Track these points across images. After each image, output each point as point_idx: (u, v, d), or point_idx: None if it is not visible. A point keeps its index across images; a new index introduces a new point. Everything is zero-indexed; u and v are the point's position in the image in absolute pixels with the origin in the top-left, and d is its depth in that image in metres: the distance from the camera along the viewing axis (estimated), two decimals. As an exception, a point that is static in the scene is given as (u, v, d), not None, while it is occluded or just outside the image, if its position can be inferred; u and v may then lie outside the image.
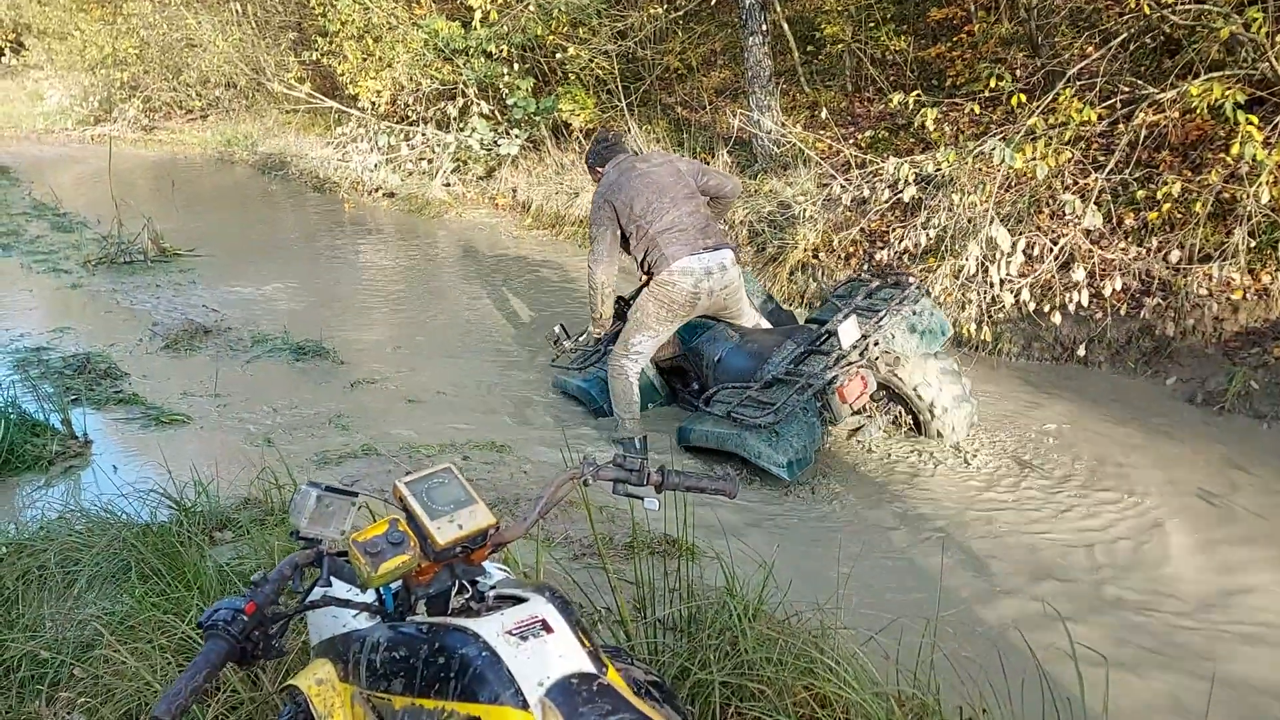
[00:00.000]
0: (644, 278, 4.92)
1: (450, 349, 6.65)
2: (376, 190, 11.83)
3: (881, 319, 4.53)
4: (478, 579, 1.69)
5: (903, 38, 8.67)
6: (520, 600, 1.61)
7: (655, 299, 4.78)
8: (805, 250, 7.26)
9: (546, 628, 1.52)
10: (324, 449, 4.83)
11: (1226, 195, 5.43)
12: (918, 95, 6.16)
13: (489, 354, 6.53)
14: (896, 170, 6.13)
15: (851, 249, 7.09)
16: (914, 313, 4.59)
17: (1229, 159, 5.24)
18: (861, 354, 4.47)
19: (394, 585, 1.68)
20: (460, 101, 10.82)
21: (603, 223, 4.79)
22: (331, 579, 1.64)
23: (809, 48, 9.58)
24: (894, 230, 6.53)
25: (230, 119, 16.80)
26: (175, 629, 2.72)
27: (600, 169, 4.96)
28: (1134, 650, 3.14)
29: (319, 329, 6.74)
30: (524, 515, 1.76)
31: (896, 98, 6.17)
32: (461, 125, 10.91)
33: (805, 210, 7.28)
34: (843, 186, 6.81)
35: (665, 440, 4.95)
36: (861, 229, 7.00)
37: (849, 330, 4.42)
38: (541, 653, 1.47)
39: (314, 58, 12.19)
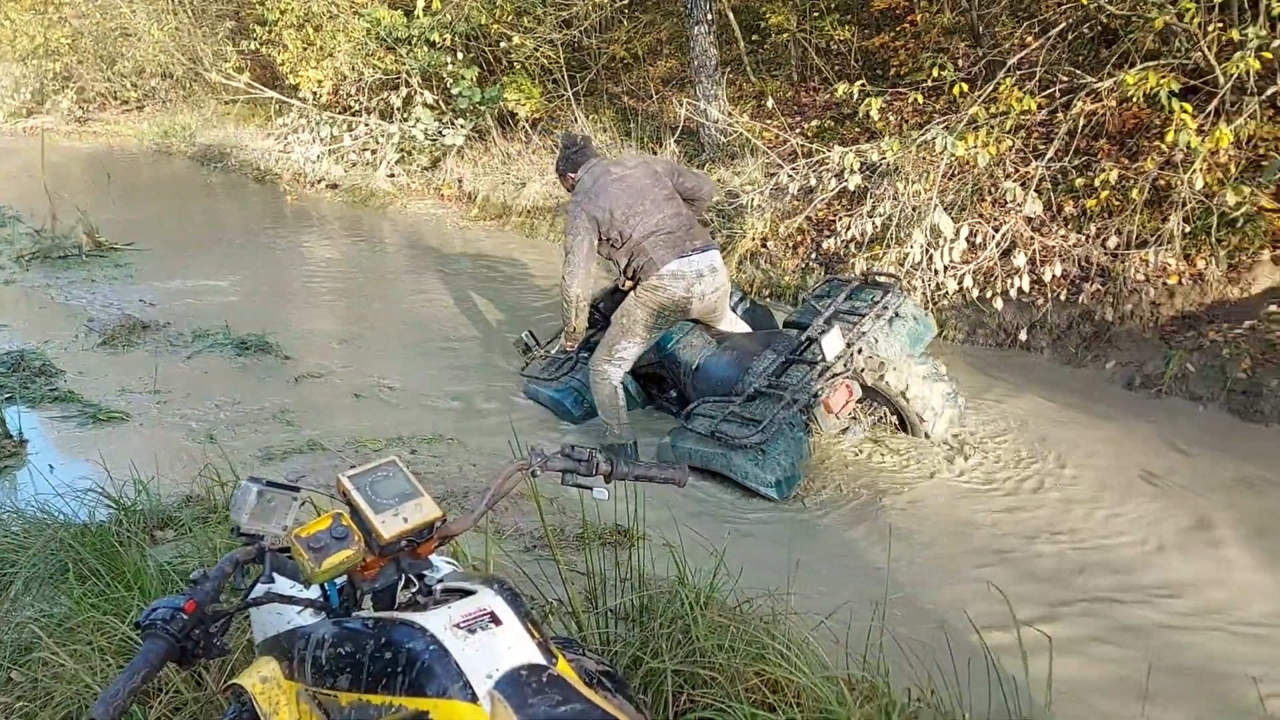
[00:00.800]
0: (627, 283, 4.78)
1: (397, 342, 6.57)
2: (319, 182, 11.65)
3: (864, 325, 4.47)
4: (424, 573, 1.66)
5: (847, 28, 8.72)
6: (468, 593, 1.59)
7: (644, 305, 4.64)
8: (754, 240, 7.29)
9: (495, 620, 1.50)
10: (268, 445, 4.75)
11: (1162, 182, 5.55)
12: (862, 85, 6.21)
13: (436, 347, 6.46)
14: (842, 159, 6.18)
15: (799, 238, 7.13)
16: (897, 315, 4.54)
17: (1164, 146, 5.35)
18: (846, 364, 4.39)
19: (339, 580, 1.65)
20: (404, 91, 10.68)
21: (579, 233, 4.58)
22: (274, 575, 1.61)
23: (754, 37, 9.61)
24: (840, 219, 6.57)
25: (167, 110, 16.43)
26: (115, 630, 2.66)
27: (572, 175, 4.76)
28: (1078, 629, 3.20)
29: (262, 323, 6.63)
30: (472, 507, 1.73)
31: (841, 87, 6.22)
32: (405, 115, 10.77)
33: (753, 200, 7.31)
34: (790, 176, 6.84)
35: (643, 449, 4.83)
36: (808, 218, 7.04)
37: (833, 341, 4.35)
38: (490, 645, 1.45)
39: (253, 47, 11.94)
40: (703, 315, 4.86)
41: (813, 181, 6.65)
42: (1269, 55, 4.85)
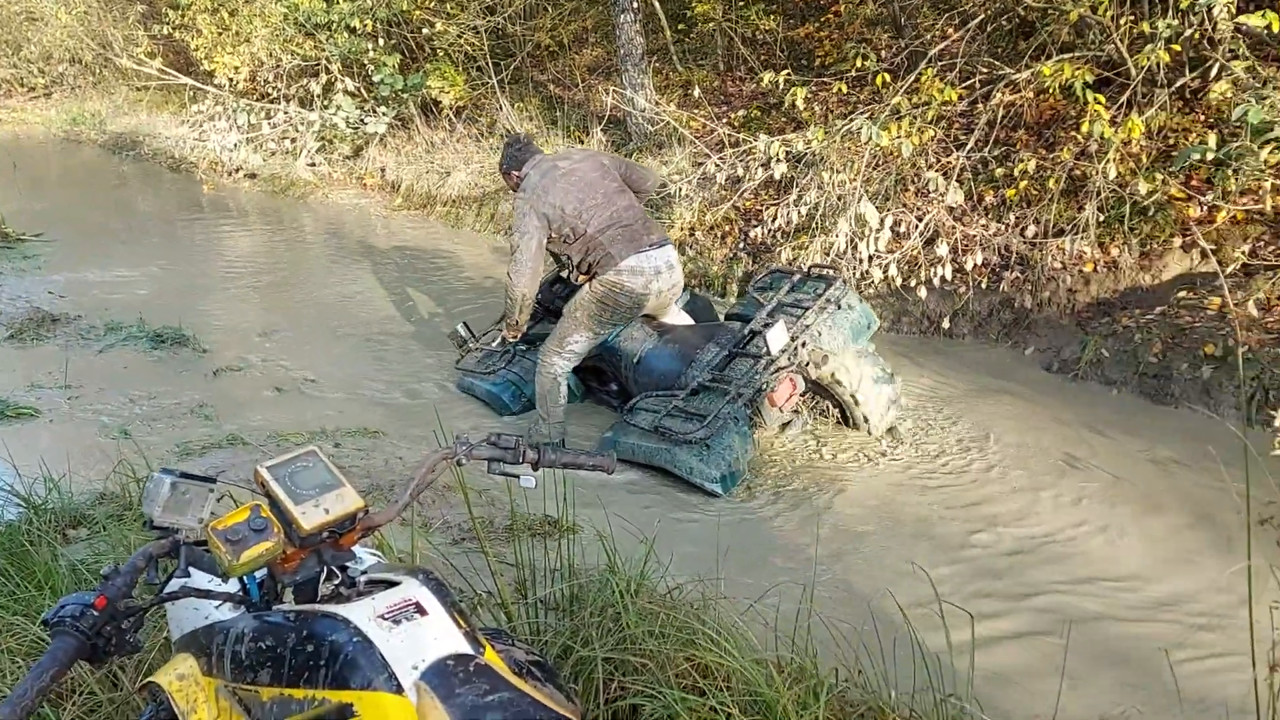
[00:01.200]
0: (580, 277, 4.67)
1: (319, 334, 6.44)
2: (237, 171, 11.36)
3: (808, 318, 4.43)
4: (347, 564, 1.62)
5: (772, 17, 8.78)
6: (393, 584, 1.56)
7: (600, 300, 4.53)
8: (682, 229, 7.30)
9: (420, 610, 1.47)
10: (186, 440, 4.61)
11: (1078, 172, 5.69)
12: (788, 75, 6.25)
13: (360, 339, 6.35)
14: (768, 148, 6.21)
15: (726, 227, 7.16)
16: (840, 308, 4.50)
17: (1079, 137, 5.49)
18: (791, 357, 4.34)
19: (258, 574, 1.60)
20: (324, 78, 10.47)
21: (528, 231, 4.48)
22: (190, 569, 1.55)
23: (680, 26, 9.61)
24: (767, 208, 6.62)
25: (76, 97, 15.86)
26: (26, 631, 2.56)
27: (517, 172, 4.65)
28: (1001, 608, 3.27)
29: (178, 315, 6.43)
30: (396, 498, 1.70)
31: (767, 77, 6.24)
32: (326, 103, 10.55)
33: (680, 189, 7.31)
34: (717, 165, 6.86)
35: (584, 443, 4.81)
36: (735, 207, 7.08)
37: (778, 336, 4.28)
38: (416, 636, 1.42)
39: (165, 32, 11.59)
40: (654, 310, 4.81)
41: (740, 171, 6.67)
42: (1178, 48, 4.99)
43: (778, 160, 6.12)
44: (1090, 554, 3.62)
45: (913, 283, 5.84)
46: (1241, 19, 3.97)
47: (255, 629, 1.54)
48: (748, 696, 2.18)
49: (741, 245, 6.98)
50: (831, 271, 4.80)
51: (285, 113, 11.02)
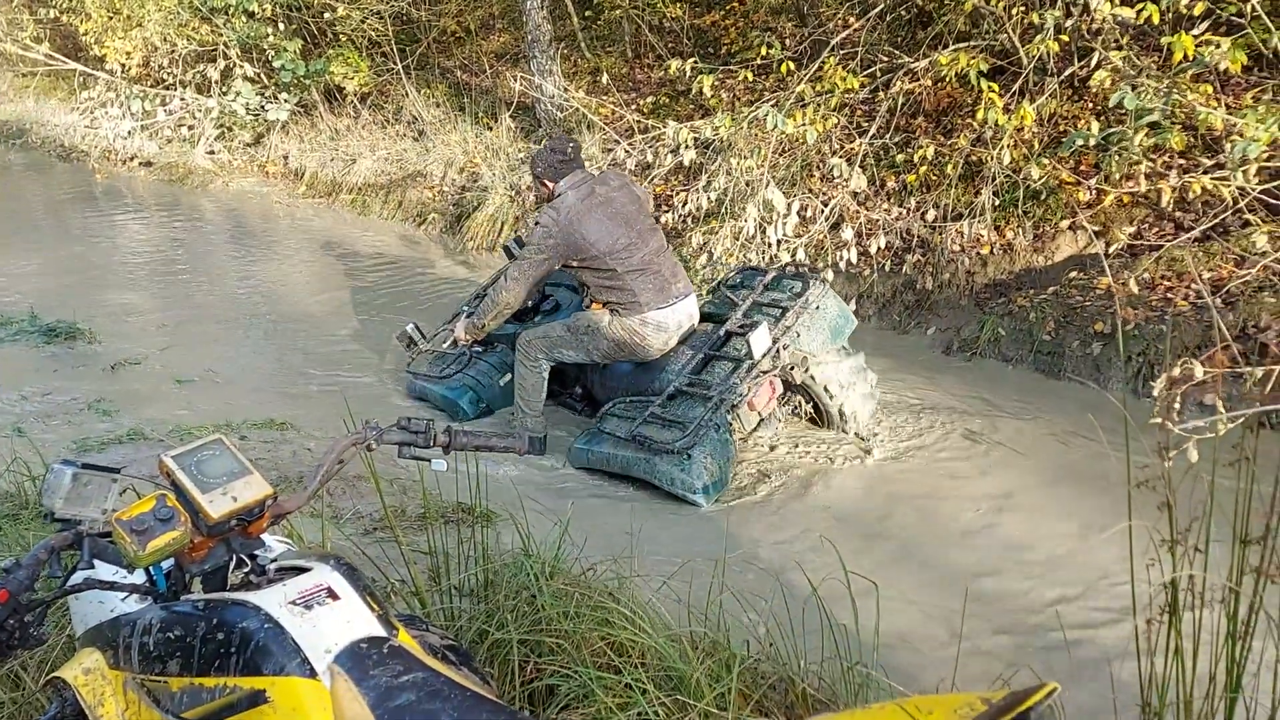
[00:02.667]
0: (596, 306, 4.39)
1: (222, 325, 6.29)
2: (131, 159, 10.98)
3: (788, 320, 4.31)
4: (257, 552, 1.62)
5: (679, 5, 8.82)
6: (304, 570, 1.56)
7: (616, 343, 4.30)
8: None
9: (332, 595, 1.47)
10: (83, 436, 4.47)
11: (974, 158, 5.87)
12: (695, 62, 6.30)
13: (264, 329, 6.22)
14: (677, 135, 6.26)
15: (636, 213, 7.19)
16: (818, 308, 4.39)
17: (975, 124, 5.66)
18: (773, 361, 4.21)
19: (165, 564, 1.58)
20: (221, 64, 10.17)
21: (545, 251, 4.22)
22: (95, 561, 1.53)
23: (587, 13, 9.60)
24: (677, 194, 6.67)
25: (-45, 82, 15.12)
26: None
27: (551, 183, 4.28)
28: (905, 575, 3.38)
29: (72, 308, 6.21)
30: (305, 485, 1.69)
31: (674, 64, 6.28)
32: (224, 89, 10.26)
33: (590, 175, 7.31)
34: (627, 151, 6.89)
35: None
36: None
37: (760, 338, 4.14)
38: (328, 620, 1.43)
39: (52, 15, 11.12)
40: None
41: (649, 157, 6.71)
42: (1066, 38, 5.18)
43: (686, 147, 6.18)
44: (992, 524, 3.76)
45: (820, 266, 5.96)
46: (1117, 11, 4.14)
47: (163, 619, 1.53)
48: (662, 672, 2.22)
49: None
50: (808, 270, 4.65)
51: (182, 99, 10.69)
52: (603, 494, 4.16)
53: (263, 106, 10.18)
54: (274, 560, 1.63)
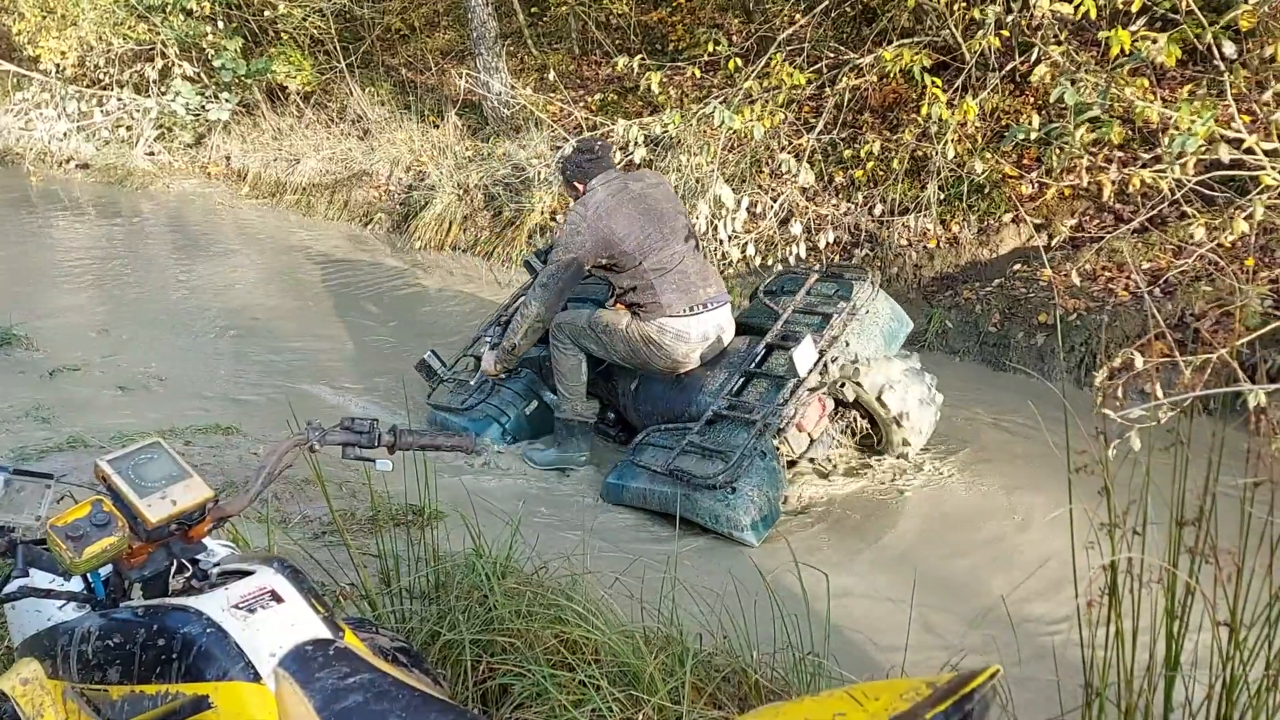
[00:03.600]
0: (619, 307, 4.15)
1: (165, 330, 6.17)
2: (68, 161, 10.73)
3: (835, 329, 3.92)
4: (199, 557, 1.59)
5: (625, 2, 8.82)
6: (247, 574, 1.53)
7: (631, 346, 4.01)
8: (542, 213, 7.29)
9: (276, 598, 1.46)
10: (21, 445, 4.35)
11: (920, 153, 5.94)
12: (642, 59, 6.30)
13: (209, 333, 6.12)
14: (626, 132, 6.26)
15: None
16: (868, 312, 4.02)
17: (920, 119, 5.73)
18: (821, 376, 3.82)
19: (103, 571, 1.56)
20: (160, 63, 9.98)
21: (574, 250, 3.93)
22: (30, 569, 1.50)
23: (533, 9, 9.56)
24: (625, 191, 6.67)
25: (-119, 83, 14.67)
26: None
27: (580, 184, 4.05)
28: (854, 564, 3.42)
29: (8, 315, 6.05)
30: (247, 487, 1.66)
31: (622, 61, 6.28)
32: (163, 89, 10.07)
33: (540, 172, 7.30)
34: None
35: (584, 487, 4.23)
36: (594, 191, 7.10)
37: (805, 353, 3.73)
38: (272, 623, 1.41)
39: (-17, 14, 10.86)
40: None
41: (597, 154, 6.69)
42: (1007, 33, 5.26)
43: (636, 144, 6.17)
44: (938, 513, 3.81)
45: (770, 261, 5.99)
46: (1056, 6, 4.22)
47: (102, 627, 1.50)
48: (616, 668, 2.22)
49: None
50: (853, 271, 4.25)
51: (119, 99, 10.46)
52: (555, 489, 4.15)
53: (203, 106, 10.01)
54: (216, 564, 1.61)
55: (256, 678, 1.34)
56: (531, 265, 4.80)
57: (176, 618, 1.42)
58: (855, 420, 4.11)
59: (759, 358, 3.95)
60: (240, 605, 1.43)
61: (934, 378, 4.03)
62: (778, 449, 3.76)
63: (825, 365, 3.81)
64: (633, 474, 3.84)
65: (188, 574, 1.56)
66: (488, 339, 4.70)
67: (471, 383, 4.61)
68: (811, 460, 3.97)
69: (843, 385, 3.80)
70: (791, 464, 3.83)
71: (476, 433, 4.38)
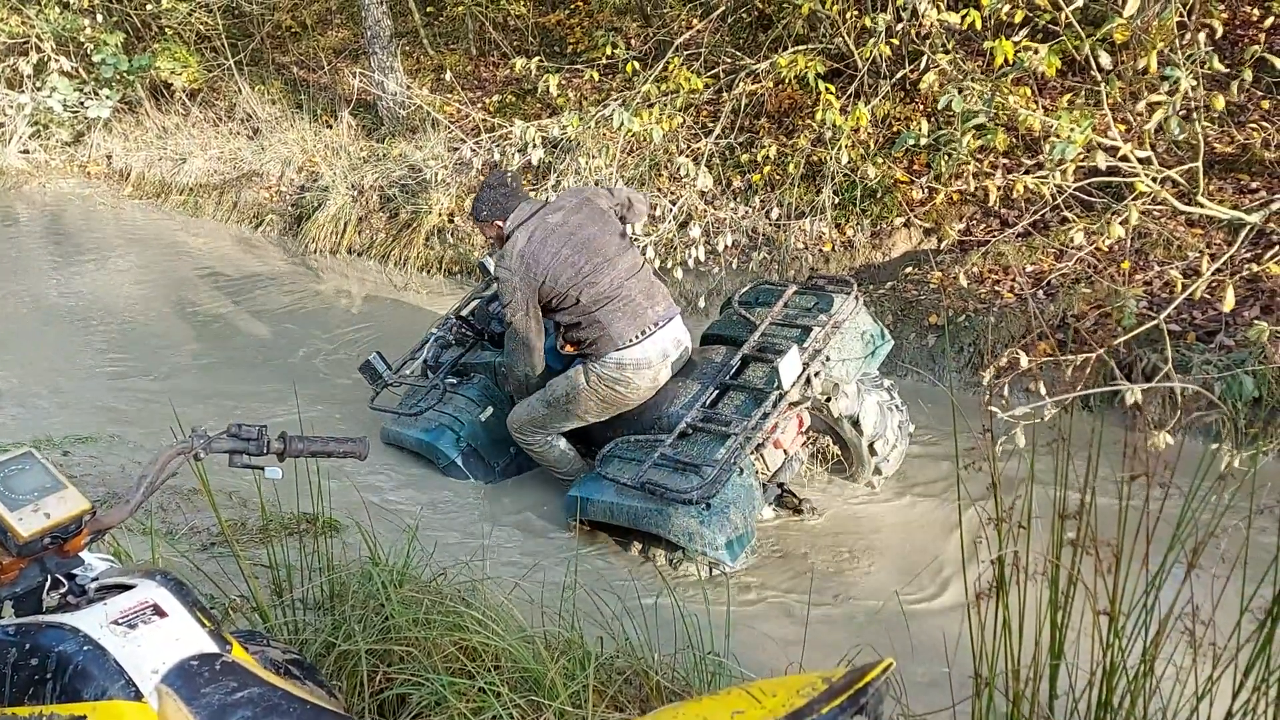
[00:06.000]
0: (568, 348, 3.92)
1: (39, 335, 5.89)
2: (-66, 158, 10.18)
3: (817, 341, 3.73)
4: (75, 571, 1.52)
5: (522, 3, 8.78)
6: (128, 588, 1.47)
7: (599, 397, 3.74)
8: (439, 215, 7.19)
9: (159, 612, 1.40)
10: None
11: (815, 158, 6.05)
12: (540, 61, 6.27)
13: (90, 337, 5.86)
14: (524, 134, 6.22)
15: (484, 213, 7.11)
16: (850, 326, 3.85)
17: (815, 125, 5.84)
18: (804, 391, 3.62)
19: (-31, 588, 1.47)
20: (34, 57, 9.53)
21: (519, 307, 3.69)
22: None
23: (429, 9, 9.44)
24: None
25: None
26: None
27: (500, 224, 3.77)
28: (755, 569, 3.45)
29: None
30: (127, 498, 1.59)
31: (519, 63, 6.24)
32: (39, 84, 9.62)
33: (437, 174, 7.20)
34: (473, 150, 6.79)
35: (543, 506, 4.07)
36: (493, 193, 7.04)
37: (790, 364, 3.52)
38: (154, 639, 1.36)
39: None
40: None
41: (496, 155, 6.64)
42: (897, 42, 5.40)
43: (534, 146, 6.14)
44: (832, 511, 3.88)
45: (669, 264, 6.03)
46: (943, 16, 4.35)
47: None
48: (516, 674, 2.20)
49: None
50: (834, 285, 4.05)
51: (-10, 93, 9.97)
52: (452, 496, 4.09)
53: (82, 103, 9.60)
54: (95, 579, 1.54)
55: (138, 695, 1.29)
56: (486, 267, 4.62)
57: (51, 635, 1.36)
58: (829, 445, 3.98)
59: (735, 369, 3.75)
60: (120, 621, 1.37)
61: (904, 404, 3.96)
62: (754, 466, 3.60)
63: (808, 379, 3.62)
64: (598, 487, 3.59)
65: (63, 590, 1.49)
66: (434, 334, 4.54)
67: (420, 387, 4.40)
68: (781, 486, 3.78)
69: (827, 400, 3.65)
70: (764, 487, 3.66)
71: (430, 443, 4.23)
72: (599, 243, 3.72)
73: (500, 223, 3.78)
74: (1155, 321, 3.69)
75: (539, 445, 3.98)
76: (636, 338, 3.69)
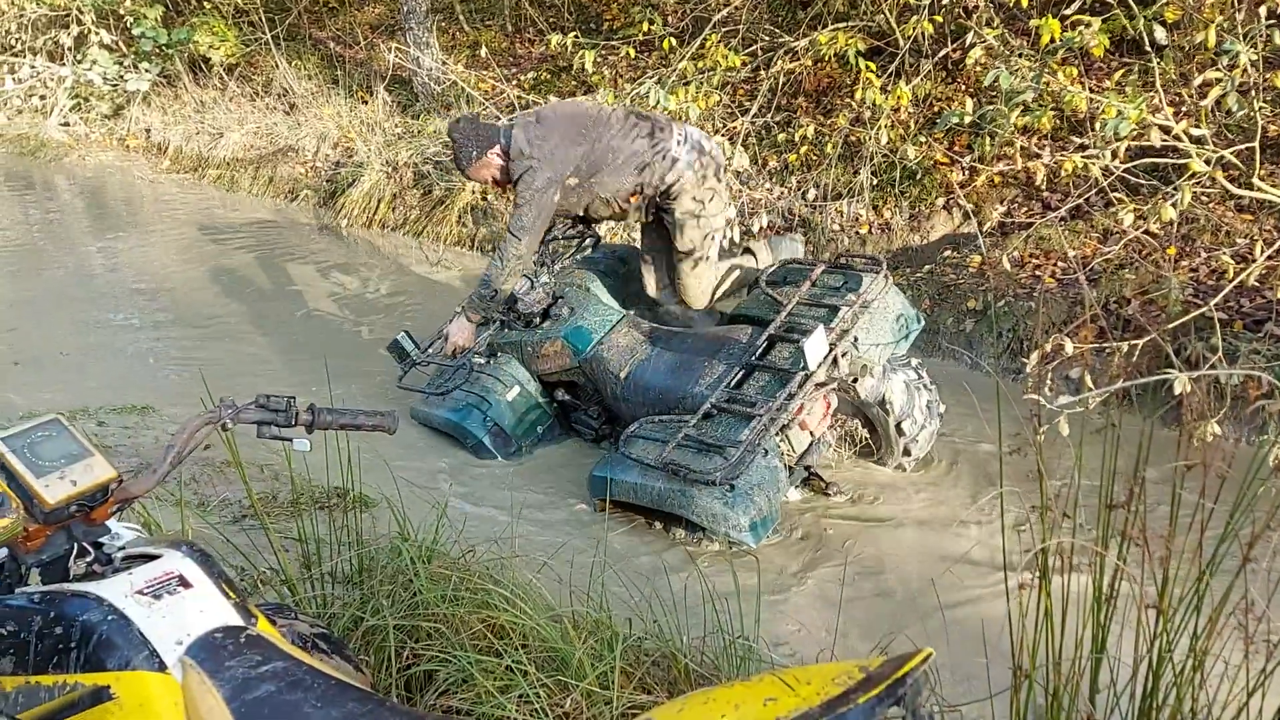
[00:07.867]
0: (631, 198, 3.93)
1: (77, 305, 5.94)
2: (-23, 130, 10.30)
3: (845, 322, 3.62)
4: (101, 540, 1.51)
5: (559, -21, 8.72)
6: (153, 558, 1.45)
7: (708, 193, 3.87)
8: (473, 192, 7.16)
9: (184, 583, 1.38)
10: (-86, 425, 4.16)
11: (853, 138, 5.96)
12: (576, 38, 6.22)
13: (127, 309, 5.90)
14: (558, 111, 6.17)
15: (518, 191, 7.08)
16: (879, 306, 3.74)
17: (854, 104, 5.75)
18: (831, 372, 3.55)
19: (-2, 554, 1.46)
20: (75, 30, 9.60)
21: (541, 188, 3.75)
22: None
23: (467, -15, 9.40)
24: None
25: None
26: None
27: (494, 151, 3.83)
28: (785, 549, 3.41)
29: (-94, 288, 5.80)
30: (155, 467, 1.58)
31: (555, 39, 6.19)
32: (79, 57, 9.69)
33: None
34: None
35: (570, 485, 3.98)
36: (527, 170, 7.00)
37: (817, 345, 3.45)
38: (179, 610, 1.34)
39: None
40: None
41: (531, 133, 6.61)
42: (940, 19, 5.29)
43: (568, 123, 6.09)
44: (869, 497, 3.82)
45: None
46: (993, -10, 4.26)
47: None
48: (544, 653, 2.18)
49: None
50: (864, 263, 3.92)
51: (32, 67, 10.05)
52: (483, 473, 4.08)
53: (121, 76, 9.66)
54: (121, 549, 1.53)
55: (161, 667, 1.28)
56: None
57: (76, 604, 1.35)
58: (858, 428, 3.95)
59: (761, 349, 3.68)
60: (145, 591, 1.36)
61: (935, 385, 3.90)
62: (779, 447, 3.56)
63: (835, 359, 3.53)
64: (622, 467, 3.54)
65: (89, 558, 1.48)
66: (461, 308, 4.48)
67: (447, 366, 4.36)
68: (808, 470, 3.73)
69: (854, 381, 3.56)
70: (789, 470, 3.60)
71: (458, 422, 4.18)
72: (590, 114, 3.88)
73: (493, 150, 3.82)
74: (1204, 308, 3.58)
75: (738, 277, 4.21)
76: (678, 137, 3.84)
